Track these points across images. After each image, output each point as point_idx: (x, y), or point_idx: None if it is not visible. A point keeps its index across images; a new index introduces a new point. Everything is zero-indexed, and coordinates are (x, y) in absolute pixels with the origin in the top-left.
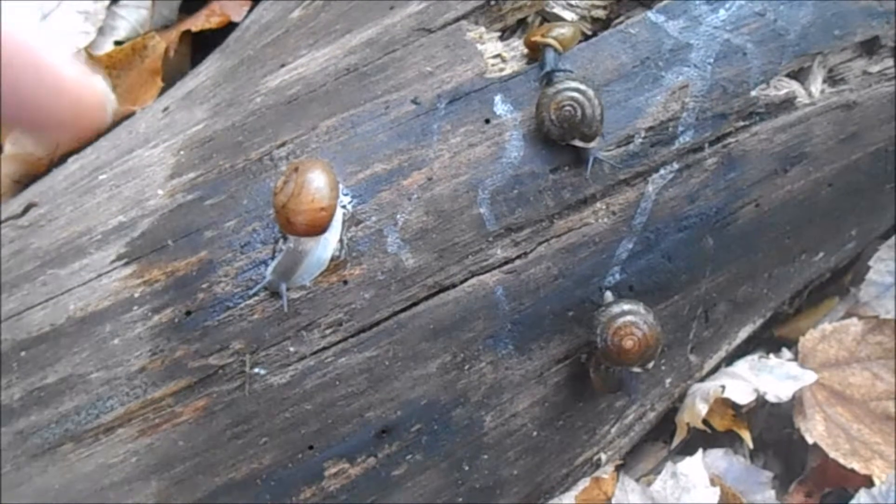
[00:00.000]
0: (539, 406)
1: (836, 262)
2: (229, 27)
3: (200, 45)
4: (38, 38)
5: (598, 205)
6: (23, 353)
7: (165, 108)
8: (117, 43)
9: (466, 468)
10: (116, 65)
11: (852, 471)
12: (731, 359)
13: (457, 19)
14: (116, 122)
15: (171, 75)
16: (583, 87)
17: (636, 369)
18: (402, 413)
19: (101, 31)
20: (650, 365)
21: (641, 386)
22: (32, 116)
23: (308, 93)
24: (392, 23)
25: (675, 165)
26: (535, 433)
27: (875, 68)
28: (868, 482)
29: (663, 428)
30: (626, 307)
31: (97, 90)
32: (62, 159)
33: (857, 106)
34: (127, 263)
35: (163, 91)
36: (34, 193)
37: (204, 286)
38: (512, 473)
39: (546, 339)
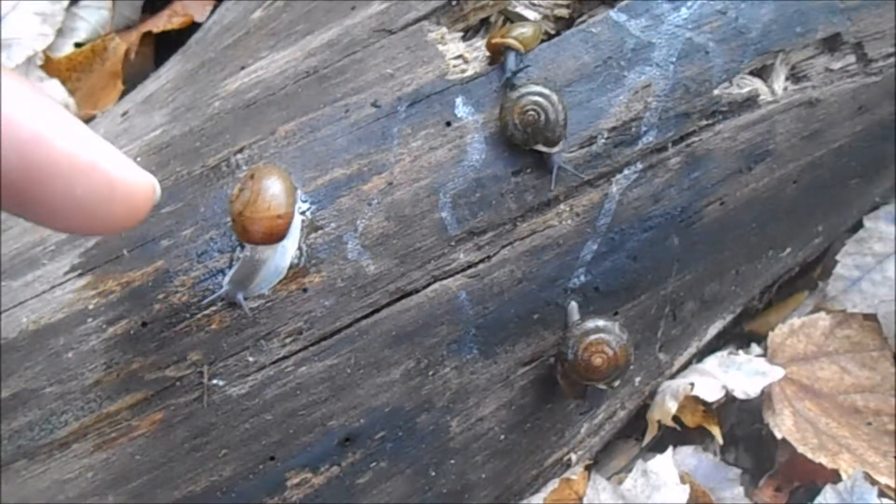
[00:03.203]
0: (506, 409)
1: (803, 258)
2: (193, 27)
3: (163, 46)
4: (85, 141)
5: (562, 206)
6: None
7: (125, 113)
8: (77, 45)
9: (433, 474)
10: (76, 67)
11: (820, 465)
12: (701, 354)
13: (418, 20)
14: None
15: (134, 77)
16: (546, 91)
17: (601, 386)
18: (366, 421)
19: (60, 33)
20: (616, 384)
21: (607, 393)
22: (80, 225)
23: (267, 96)
24: (353, 24)
25: (639, 165)
26: (502, 437)
27: (837, 65)
28: (836, 476)
29: (635, 425)
30: (601, 324)
31: (149, 188)
32: None
33: (820, 103)
34: (81, 275)
35: (124, 94)
36: None
37: (160, 297)
38: (480, 477)
39: (511, 343)
